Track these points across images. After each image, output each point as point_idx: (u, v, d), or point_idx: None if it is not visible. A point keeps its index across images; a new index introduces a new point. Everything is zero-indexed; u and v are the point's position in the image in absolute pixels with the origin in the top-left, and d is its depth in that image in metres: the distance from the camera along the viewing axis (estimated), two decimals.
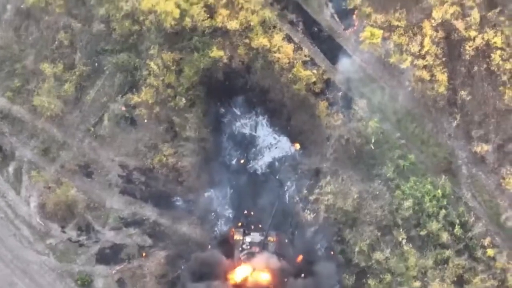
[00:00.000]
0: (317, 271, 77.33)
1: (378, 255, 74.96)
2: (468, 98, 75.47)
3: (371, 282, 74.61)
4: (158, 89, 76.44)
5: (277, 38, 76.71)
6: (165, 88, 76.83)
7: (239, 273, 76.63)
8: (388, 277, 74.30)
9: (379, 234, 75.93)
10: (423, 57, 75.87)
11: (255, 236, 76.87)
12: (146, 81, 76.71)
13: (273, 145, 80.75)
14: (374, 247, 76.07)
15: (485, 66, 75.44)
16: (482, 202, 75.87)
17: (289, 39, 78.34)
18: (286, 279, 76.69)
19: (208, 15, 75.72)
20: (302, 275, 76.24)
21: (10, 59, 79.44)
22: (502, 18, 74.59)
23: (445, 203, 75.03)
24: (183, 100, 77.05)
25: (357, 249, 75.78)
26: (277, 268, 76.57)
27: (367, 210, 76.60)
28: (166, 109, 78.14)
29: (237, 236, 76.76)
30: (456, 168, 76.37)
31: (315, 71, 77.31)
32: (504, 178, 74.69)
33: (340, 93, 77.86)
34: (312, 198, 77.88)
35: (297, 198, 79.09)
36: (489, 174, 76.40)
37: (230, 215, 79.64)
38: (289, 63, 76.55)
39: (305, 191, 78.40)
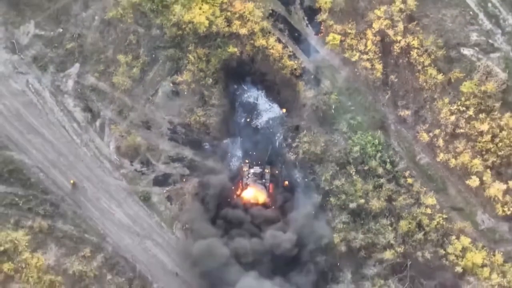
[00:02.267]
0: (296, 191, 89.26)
1: (337, 182, 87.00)
2: (395, 80, 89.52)
3: (332, 199, 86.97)
4: (194, 72, 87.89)
5: (272, 40, 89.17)
6: (198, 72, 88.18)
7: (244, 193, 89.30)
8: (343, 196, 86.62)
9: (337, 168, 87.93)
10: (366, 53, 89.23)
11: (257, 169, 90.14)
12: (186, 67, 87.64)
13: (268, 110, 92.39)
14: (334, 177, 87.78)
15: (406, 59, 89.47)
16: (404, 148, 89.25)
17: (279, 40, 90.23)
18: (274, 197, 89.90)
19: (227, 24, 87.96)
20: (288, 193, 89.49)
21: (97, 52, 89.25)
22: (417, 28, 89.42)
23: (380, 148, 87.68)
24: (210, 80, 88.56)
25: (323, 178, 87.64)
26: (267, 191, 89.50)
27: (330, 152, 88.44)
28: (199, 85, 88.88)
29: (245, 168, 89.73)
30: (387, 126, 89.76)
31: (296, 62, 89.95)
32: (418, 132, 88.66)
33: (312, 76, 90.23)
34: (294, 145, 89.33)
35: (284, 144, 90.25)
36: (408, 129, 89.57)
37: (240, 155, 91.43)
38: (279, 56, 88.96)
39: (289, 140, 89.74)
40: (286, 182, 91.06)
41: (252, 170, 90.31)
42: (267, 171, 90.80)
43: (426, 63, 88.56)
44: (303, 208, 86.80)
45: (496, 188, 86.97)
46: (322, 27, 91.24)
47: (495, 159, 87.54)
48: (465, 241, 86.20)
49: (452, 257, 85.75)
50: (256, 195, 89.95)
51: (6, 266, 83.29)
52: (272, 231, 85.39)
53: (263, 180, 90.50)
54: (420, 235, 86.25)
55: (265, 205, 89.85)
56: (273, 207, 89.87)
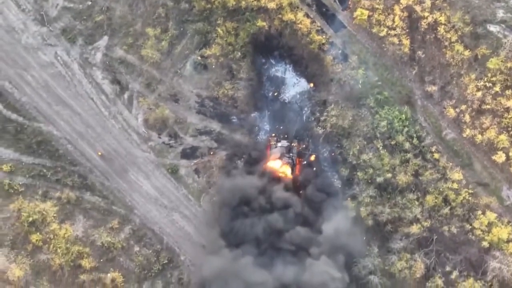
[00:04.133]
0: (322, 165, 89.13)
1: (364, 156, 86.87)
2: (422, 56, 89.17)
3: (359, 173, 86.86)
4: (222, 46, 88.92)
5: (300, 15, 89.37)
6: (227, 45, 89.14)
7: (272, 164, 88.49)
8: (370, 170, 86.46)
9: (365, 142, 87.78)
10: (394, 29, 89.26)
11: (284, 143, 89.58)
12: (215, 41, 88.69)
13: (295, 84, 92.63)
14: (361, 151, 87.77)
15: (433, 35, 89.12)
16: (430, 123, 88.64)
17: (307, 15, 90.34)
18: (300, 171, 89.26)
19: None
20: (314, 168, 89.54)
21: (126, 25, 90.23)
22: (445, 4, 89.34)
23: (407, 123, 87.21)
24: (239, 53, 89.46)
25: (351, 152, 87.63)
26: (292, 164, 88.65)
27: (357, 127, 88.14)
28: (227, 59, 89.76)
29: (272, 142, 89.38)
30: (414, 101, 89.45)
31: (324, 36, 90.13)
32: (445, 108, 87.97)
33: (339, 51, 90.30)
34: (322, 118, 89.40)
35: (311, 119, 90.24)
36: (435, 105, 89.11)
37: (267, 128, 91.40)
38: (307, 31, 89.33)
39: (317, 114, 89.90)
40: (313, 156, 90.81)
41: (279, 144, 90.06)
42: (294, 145, 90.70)
43: (453, 39, 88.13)
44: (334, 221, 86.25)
45: None
46: (349, 2, 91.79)
47: None
48: (491, 216, 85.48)
49: (478, 232, 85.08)
50: (283, 168, 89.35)
51: (35, 237, 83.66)
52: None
53: (290, 154, 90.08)
54: (446, 210, 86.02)
55: (290, 180, 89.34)
56: (297, 182, 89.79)
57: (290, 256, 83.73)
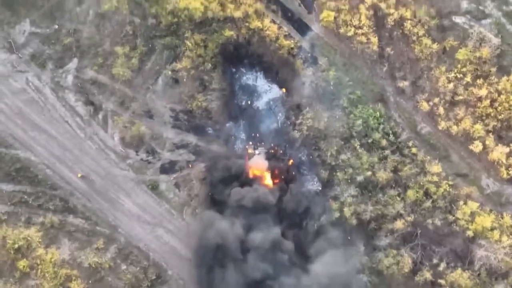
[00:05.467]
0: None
1: (342, 156, 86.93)
2: (391, 52, 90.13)
3: (339, 174, 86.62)
4: (192, 58, 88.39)
5: (266, 21, 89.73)
6: (197, 57, 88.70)
7: (250, 173, 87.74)
8: (350, 170, 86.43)
9: (342, 143, 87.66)
10: (361, 28, 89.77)
11: (261, 149, 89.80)
12: (184, 54, 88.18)
13: (268, 91, 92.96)
14: (339, 151, 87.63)
15: (400, 31, 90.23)
16: (405, 119, 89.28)
17: (273, 21, 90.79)
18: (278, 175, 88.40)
19: (221, 8, 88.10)
20: (293, 172, 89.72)
21: (94, 45, 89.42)
22: (409, 0, 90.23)
23: (382, 120, 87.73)
24: (209, 65, 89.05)
25: (329, 153, 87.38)
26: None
27: (333, 128, 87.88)
28: (198, 71, 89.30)
29: (250, 150, 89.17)
30: (386, 98, 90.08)
31: (292, 41, 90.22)
32: (418, 102, 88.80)
33: (309, 54, 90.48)
34: (297, 122, 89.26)
35: (288, 123, 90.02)
36: (407, 100, 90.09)
37: (244, 137, 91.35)
38: (275, 37, 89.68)
39: (292, 118, 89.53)
40: (291, 161, 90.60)
41: (257, 151, 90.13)
42: (272, 151, 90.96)
43: (420, 33, 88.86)
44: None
45: (499, 152, 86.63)
46: (314, 5, 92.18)
47: (495, 123, 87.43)
48: (473, 205, 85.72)
49: (462, 222, 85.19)
50: (263, 172, 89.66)
51: (22, 264, 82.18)
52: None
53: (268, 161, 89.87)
54: (428, 203, 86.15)
55: (269, 183, 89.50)
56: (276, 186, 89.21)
57: None
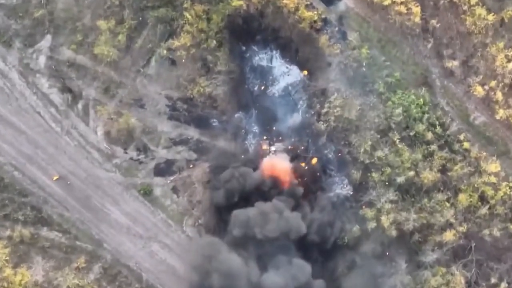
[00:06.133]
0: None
1: (379, 153, 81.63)
2: (437, 25, 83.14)
3: (374, 175, 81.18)
4: (193, 34, 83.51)
5: None
6: (199, 33, 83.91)
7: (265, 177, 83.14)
8: (388, 170, 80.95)
9: (378, 136, 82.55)
10: None
11: (279, 146, 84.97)
12: (183, 29, 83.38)
13: (286, 73, 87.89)
14: (375, 147, 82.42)
15: None
16: (454, 107, 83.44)
17: None
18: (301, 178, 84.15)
19: None
20: (318, 174, 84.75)
21: (72, 19, 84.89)
22: None
23: (426, 109, 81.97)
24: (214, 41, 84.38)
25: (362, 149, 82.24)
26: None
27: (367, 118, 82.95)
28: (200, 50, 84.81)
29: (265, 146, 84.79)
30: (431, 81, 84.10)
31: (315, 12, 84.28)
32: (470, 86, 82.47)
33: (336, 29, 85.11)
34: (323, 111, 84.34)
35: (311, 112, 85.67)
36: (457, 84, 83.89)
37: (257, 131, 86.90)
38: (294, 7, 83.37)
39: (317, 107, 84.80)
40: (315, 159, 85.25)
41: (273, 148, 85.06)
42: (291, 147, 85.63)
43: (473, 2, 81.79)
44: None
45: None
46: None
47: None
48: None
49: None
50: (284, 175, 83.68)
51: None
52: None
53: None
54: (484, 210, 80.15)
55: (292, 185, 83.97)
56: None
57: None
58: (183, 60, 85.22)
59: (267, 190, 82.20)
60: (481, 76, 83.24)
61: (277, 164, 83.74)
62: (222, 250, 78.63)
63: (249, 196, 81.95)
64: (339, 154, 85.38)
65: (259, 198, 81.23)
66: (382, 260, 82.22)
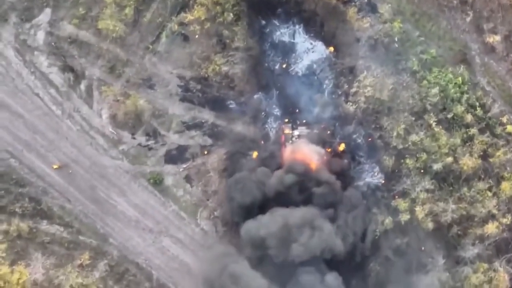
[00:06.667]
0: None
1: (413, 137, 78.54)
2: None
3: (408, 161, 78.12)
4: (207, 6, 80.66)
5: None
6: (214, 5, 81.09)
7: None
8: (423, 156, 77.94)
9: (412, 119, 79.55)
10: None
11: (302, 130, 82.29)
12: (196, 1, 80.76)
13: (310, 50, 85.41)
14: (409, 131, 79.42)
15: None
16: (495, 86, 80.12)
17: None
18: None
19: None
20: (345, 160, 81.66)
21: None
22: None
23: (465, 88, 79.09)
24: (230, 15, 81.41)
25: (394, 133, 79.21)
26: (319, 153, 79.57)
27: (400, 99, 79.82)
28: (216, 24, 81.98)
29: (287, 131, 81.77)
30: (471, 58, 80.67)
31: None
32: None
33: (365, 0, 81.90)
34: (352, 91, 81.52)
35: (339, 92, 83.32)
36: (499, 61, 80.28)
37: (278, 113, 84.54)
38: None
39: (345, 86, 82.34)
40: (343, 145, 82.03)
41: (296, 132, 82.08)
42: (317, 131, 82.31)
43: None
44: None
45: None
46: None
47: None
48: None
49: None
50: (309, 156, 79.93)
51: None
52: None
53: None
54: None
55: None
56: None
57: None
58: (197, 36, 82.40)
59: (292, 191, 78.29)
60: None
61: (305, 150, 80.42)
62: (244, 272, 75.21)
63: (270, 202, 78.24)
64: (370, 139, 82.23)
65: (284, 203, 77.36)
66: (417, 256, 79.23)
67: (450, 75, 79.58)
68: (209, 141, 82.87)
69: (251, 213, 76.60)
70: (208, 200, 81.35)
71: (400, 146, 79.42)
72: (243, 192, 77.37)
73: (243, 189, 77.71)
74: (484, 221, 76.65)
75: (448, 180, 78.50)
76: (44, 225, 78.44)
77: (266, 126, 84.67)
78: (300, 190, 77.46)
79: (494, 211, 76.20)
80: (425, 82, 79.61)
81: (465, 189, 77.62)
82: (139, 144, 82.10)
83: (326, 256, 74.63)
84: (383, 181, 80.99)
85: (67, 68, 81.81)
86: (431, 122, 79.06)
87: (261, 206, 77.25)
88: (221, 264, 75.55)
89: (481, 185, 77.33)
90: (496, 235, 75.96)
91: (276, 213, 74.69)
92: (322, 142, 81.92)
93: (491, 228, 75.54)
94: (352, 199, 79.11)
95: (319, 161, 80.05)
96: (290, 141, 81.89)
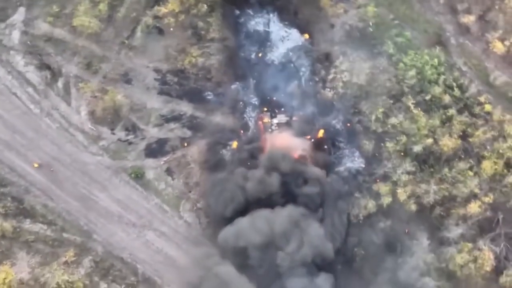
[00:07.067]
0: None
1: (392, 120, 79.25)
2: None
3: (388, 144, 78.60)
4: None
5: None
6: None
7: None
8: (403, 138, 78.42)
9: (391, 102, 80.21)
10: None
11: (281, 118, 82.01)
12: None
13: (285, 38, 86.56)
14: (387, 114, 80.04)
15: None
16: (472, 67, 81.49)
17: None
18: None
19: None
20: (325, 146, 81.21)
21: None
22: None
23: (442, 70, 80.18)
24: (204, 6, 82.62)
25: (373, 117, 79.99)
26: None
27: (378, 83, 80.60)
28: (190, 16, 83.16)
29: (266, 119, 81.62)
30: (446, 40, 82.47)
31: None
32: (489, 43, 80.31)
33: None
34: (329, 77, 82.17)
35: (316, 79, 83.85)
36: (474, 41, 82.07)
37: (256, 103, 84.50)
38: None
39: (322, 73, 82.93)
40: (322, 132, 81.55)
41: (275, 120, 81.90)
42: (296, 118, 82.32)
43: None
44: None
45: None
46: None
47: None
48: None
49: None
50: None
51: None
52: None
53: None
54: (511, 178, 76.51)
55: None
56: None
57: None
58: (172, 29, 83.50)
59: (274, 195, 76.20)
60: (500, 31, 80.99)
61: (286, 139, 79.88)
62: (234, 280, 72.81)
63: (251, 204, 75.99)
64: (349, 124, 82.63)
65: (265, 204, 74.95)
66: (401, 238, 78.64)
67: (426, 57, 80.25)
68: (188, 133, 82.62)
69: (231, 219, 74.66)
70: (190, 192, 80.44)
71: (380, 130, 79.88)
72: (219, 200, 76.18)
73: (220, 195, 76.54)
74: (467, 201, 76.31)
75: (429, 162, 78.48)
76: (27, 224, 77.35)
77: (245, 115, 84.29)
78: (283, 193, 76.01)
79: (476, 191, 76.01)
80: (401, 65, 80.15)
81: (446, 169, 77.66)
82: (119, 139, 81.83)
83: (316, 261, 72.99)
84: (364, 166, 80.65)
85: (43, 66, 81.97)
86: (410, 104, 79.45)
87: (242, 210, 75.50)
88: (205, 267, 74.20)
89: (462, 165, 77.39)
90: (479, 214, 75.61)
91: (257, 216, 72.98)
92: (301, 129, 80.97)
93: (473, 207, 75.38)
94: (335, 185, 77.97)
95: (301, 151, 79.00)
96: (270, 130, 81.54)
